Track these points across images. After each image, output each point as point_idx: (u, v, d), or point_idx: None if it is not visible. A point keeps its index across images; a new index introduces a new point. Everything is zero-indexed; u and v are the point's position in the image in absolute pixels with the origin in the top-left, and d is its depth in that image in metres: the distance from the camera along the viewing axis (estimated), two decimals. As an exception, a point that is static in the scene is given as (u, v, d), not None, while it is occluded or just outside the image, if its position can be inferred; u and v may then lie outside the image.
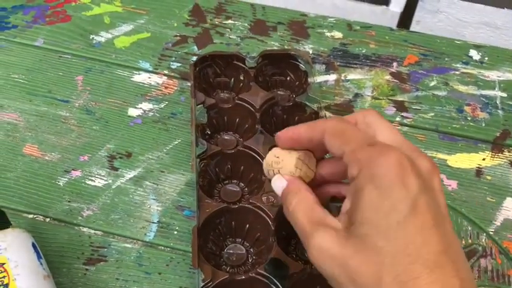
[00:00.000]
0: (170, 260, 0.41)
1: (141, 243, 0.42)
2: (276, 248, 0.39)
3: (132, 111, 0.52)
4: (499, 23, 1.13)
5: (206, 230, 0.41)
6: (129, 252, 0.42)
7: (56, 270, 0.40)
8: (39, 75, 0.54)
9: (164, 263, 0.41)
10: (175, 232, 0.43)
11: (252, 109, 0.49)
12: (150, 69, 0.56)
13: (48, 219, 0.43)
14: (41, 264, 0.36)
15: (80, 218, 0.43)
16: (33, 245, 0.37)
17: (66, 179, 0.46)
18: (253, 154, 0.45)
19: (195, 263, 0.37)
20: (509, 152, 0.51)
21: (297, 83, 0.54)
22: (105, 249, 0.42)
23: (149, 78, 0.55)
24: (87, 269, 0.40)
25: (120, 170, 0.47)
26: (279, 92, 0.54)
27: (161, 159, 0.48)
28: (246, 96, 0.50)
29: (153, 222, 0.43)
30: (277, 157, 0.34)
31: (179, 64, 0.57)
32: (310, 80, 0.53)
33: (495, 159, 0.51)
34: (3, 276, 0.34)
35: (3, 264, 0.34)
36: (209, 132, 0.49)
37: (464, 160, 0.50)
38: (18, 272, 0.34)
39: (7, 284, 0.33)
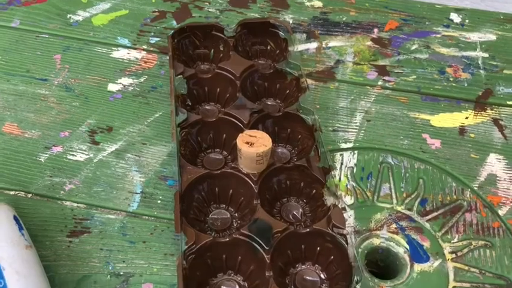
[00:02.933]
0: (154, 228, 0.41)
1: (124, 214, 0.42)
2: (259, 210, 0.39)
3: (112, 87, 0.51)
4: (483, -7, 1.13)
5: (189, 196, 0.40)
6: (113, 223, 0.41)
7: (40, 244, 0.40)
8: (17, 55, 0.54)
9: (148, 231, 0.41)
10: (159, 201, 0.43)
11: (232, 77, 0.48)
12: (129, 45, 0.55)
13: (30, 195, 0.43)
14: (23, 235, 0.36)
15: (62, 192, 0.43)
16: (15, 218, 0.37)
17: (47, 155, 0.45)
18: (235, 121, 0.45)
19: (177, 227, 0.37)
20: (492, 109, 0.51)
21: (277, 51, 0.54)
22: (88, 221, 0.41)
23: (128, 53, 0.55)
24: (70, 241, 0.40)
25: (102, 144, 0.47)
26: (259, 62, 0.53)
27: (142, 132, 0.48)
28: (226, 65, 0.49)
29: (136, 193, 0.43)
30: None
31: (158, 39, 0.56)
32: (290, 47, 0.53)
33: (478, 117, 0.51)
34: None
35: None
36: (190, 103, 0.49)
37: (447, 119, 0.50)
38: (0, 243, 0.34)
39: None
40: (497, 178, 0.45)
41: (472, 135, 0.49)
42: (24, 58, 0.53)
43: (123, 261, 0.39)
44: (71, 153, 0.46)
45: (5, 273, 0.33)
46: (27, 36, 0.56)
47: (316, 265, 0.39)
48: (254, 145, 0.39)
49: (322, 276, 0.38)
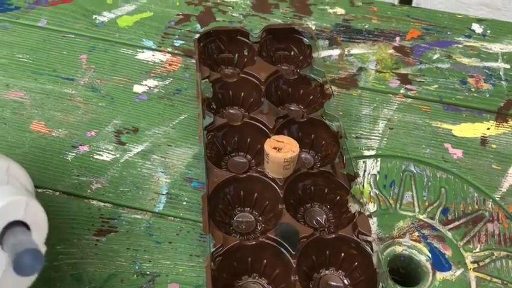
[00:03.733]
0: (180, 229, 0.42)
1: (150, 214, 0.42)
2: (285, 214, 0.39)
3: (137, 88, 0.52)
4: (499, 3, 1.13)
5: (215, 199, 0.41)
6: (139, 223, 0.42)
7: (67, 241, 0.40)
8: (44, 54, 0.55)
9: (174, 232, 0.41)
10: (184, 203, 0.43)
11: (257, 82, 0.49)
12: (154, 47, 0.56)
13: (57, 193, 0.43)
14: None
15: (89, 191, 0.44)
16: None
17: (74, 154, 0.46)
18: (260, 126, 0.46)
19: (205, 228, 0.37)
20: (513, 121, 0.51)
21: (301, 57, 0.54)
22: (115, 221, 0.42)
23: (153, 55, 0.55)
24: (97, 240, 0.41)
25: (128, 144, 0.47)
26: (283, 67, 0.54)
27: (168, 134, 0.48)
28: (250, 70, 0.50)
29: (162, 194, 0.44)
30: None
31: (182, 42, 0.57)
32: (314, 54, 0.53)
33: (500, 128, 0.51)
34: None
35: None
36: (215, 107, 0.49)
37: (469, 129, 0.51)
38: None
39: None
40: (519, 189, 0.46)
41: (494, 146, 0.49)
42: (51, 57, 0.54)
43: (150, 261, 0.40)
44: (97, 152, 0.46)
45: None
46: (53, 36, 0.57)
47: (340, 271, 0.39)
48: (282, 150, 0.40)
49: (345, 281, 0.38)
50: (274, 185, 0.41)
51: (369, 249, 0.38)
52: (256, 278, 0.38)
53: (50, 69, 0.53)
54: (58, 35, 0.57)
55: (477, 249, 0.42)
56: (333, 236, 0.38)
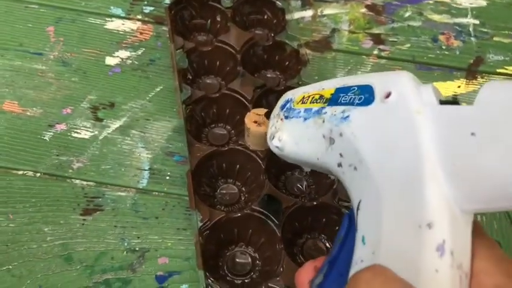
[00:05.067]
0: (165, 204, 0.42)
1: (135, 191, 0.43)
2: (268, 185, 0.40)
3: (110, 60, 0.51)
4: None
5: (199, 173, 0.41)
6: (124, 200, 0.42)
7: (53, 223, 0.41)
8: (7, 27, 0.52)
9: (160, 207, 0.42)
10: (168, 177, 0.44)
11: (232, 51, 0.49)
12: (123, 15, 0.54)
13: (38, 174, 0.43)
14: None
15: (70, 170, 0.44)
16: None
17: (52, 133, 0.46)
18: (237, 96, 0.46)
19: (191, 204, 0.38)
20: (482, 78, 0.53)
21: (275, 21, 0.54)
22: (100, 199, 0.42)
23: (123, 24, 0.54)
24: (84, 219, 0.41)
25: (105, 120, 0.47)
26: (257, 32, 0.53)
27: (145, 107, 0.48)
28: (225, 38, 0.49)
29: (145, 170, 0.44)
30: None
31: (152, 8, 0.55)
32: (287, 17, 0.53)
33: (469, 85, 0.52)
34: None
35: None
36: (191, 77, 0.49)
37: (441, 88, 0.51)
38: None
39: None
40: (488, 146, 0.48)
41: (464, 104, 0.51)
42: (15, 31, 0.52)
43: (138, 237, 0.41)
44: (75, 130, 0.46)
45: None
46: (15, 7, 0.54)
47: (322, 235, 0.41)
48: (263, 124, 0.40)
49: (327, 245, 0.40)
50: (255, 156, 0.42)
51: (349, 214, 0.40)
52: (243, 247, 0.40)
53: (16, 44, 0.51)
54: (20, 5, 0.54)
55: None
56: (314, 203, 0.40)
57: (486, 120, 0.20)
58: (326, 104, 0.27)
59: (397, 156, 0.22)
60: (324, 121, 0.27)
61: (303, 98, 0.30)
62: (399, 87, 0.24)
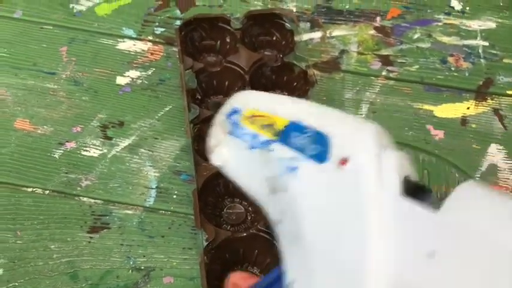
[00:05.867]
0: (172, 223, 0.42)
1: (141, 209, 0.43)
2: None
3: (120, 80, 0.52)
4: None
5: (205, 192, 0.42)
6: (131, 218, 0.43)
7: (60, 241, 0.41)
8: (22, 48, 0.54)
9: (166, 226, 0.42)
10: (175, 196, 0.44)
11: (240, 71, 0.49)
12: (134, 36, 0.55)
13: (47, 192, 0.44)
14: None
15: (79, 188, 0.44)
16: None
17: (61, 151, 0.46)
18: (245, 116, 0.46)
19: (197, 223, 0.38)
20: (492, 99, 0.53)
21: (283, 42, 0.54)
22: (107, 217, 0.42)
23: (134, 45, 0.55)
24: (91, 237, 0.41)
25: (114, 139, 0.47)
26: (265, 53, 0.54)
27: (154, 126, 0.48)
28: (234, 59, 0.50)
29: (152, 188, 0.44)
30: None
31: (163, 29, 0.56)
32: (296, 38, 0.53)
33: (479, 107, 0.52)
34: None
35: None
36: (199, 97, 0.49)
37: (450, 110, 0.52)
38: None
39: None
40: (498, 168, 0.47)
41: (474, 125, 0.51)
42: (29, 51, 0.53)
43: (144, 256, 0.41)
44: (84, 148, 0.46)
45: None
46: (30, 28, 0.55)
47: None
48: None
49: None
50: (262, 176, 0.42)
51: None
52: (249, 267, 0.40)
53: (30, 63, 0.52)
54: (35, 26, 0.55)
55: (458, 229, 0.43)
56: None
57: (449, 236, 0.17)
58: (276, 138, 0.23)
59: (342, 247, 0.19)
60: (269, 161, 0.23)
61: (253, 115, 0.25)
62: (358, 154, 0.20)
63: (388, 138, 0.22)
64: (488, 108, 0.52)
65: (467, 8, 0.61)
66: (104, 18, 0.57)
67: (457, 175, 0.47)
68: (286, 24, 0.54)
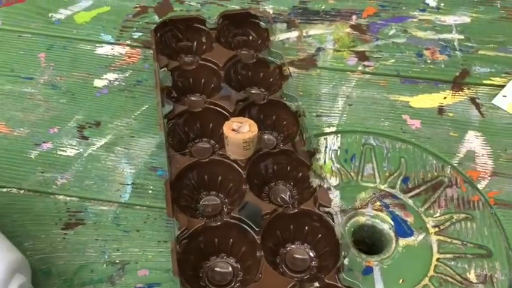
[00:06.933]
0: (147, 217, 0.42)
1: (117, 205, 0.43)
2: (249, 194, 0.40)
3: (98, 82, 0.52)
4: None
5: (179, 184, 0.41)
6: (106, 213, 0.42)
7: (34, 238, 0.41)
8: (0, 55, 0.54)
9: (141, 220, 0.42)
10: (150, 191, 0.44)
11: (216, 68, 0.49)
12: (113, 41, 0.56)
13: (22, 191, 0.43)
14: None
15: (54, 186, 0.44)
16: None
17: (38, 152, 0.46)
18: (221, 110, 0.46)
19: (169, 212, 0.38)
20: (468, 89, 0.53)
21: (259, 41, 0.55)
22: (82, 213, 0.42)
23: (112, 49, 0.55)
24: (65, 233, 0.41)
25: (91, 138, 0.47)
26: (242, 52, 0.54)
27: (130, 125, 0.48)
28: (209, 56, 0.50)
29: (127, 184, 0.44)
30: None
31: (141, 33, 0.57)
32: (271, 37, 0.54)
33: (456, 97, 0.52)
34: None
35: None
36: (175, 95, 0.49)
37: (426, 100, 0.52)
38: None
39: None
40: (476, 154, 0.47)
41: (451, 114, 0.51)
42: (8, 58, 0.54)
43: (118, 250, 0.40)
44: (61, 148, 0.46)
45: None
46: (9, 36, 0.56)
47: (305, 244, 0.40)
48: (240, 131, 0.40)
49: (311, 254, 0.40)
50: (236, 166, 0.42)
51: (331, 220, 0.39)
52: (224, 257, 0.39)
53: (8, 70, 0.53)
54: (14, 35, 0.56)
55: (437, 214, 0.43)
56: (295, 210, 0.39)
57: None
58: None
59: None
60: None
61: None
62: None
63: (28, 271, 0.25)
64: (465, 97, 0.52)
65: (442, 5, 0.62)
66: (82, 25, 0.58)
67: (434, 162, 0.47)
68: (261, 23, 0.55)
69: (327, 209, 0.39)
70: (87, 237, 0.41)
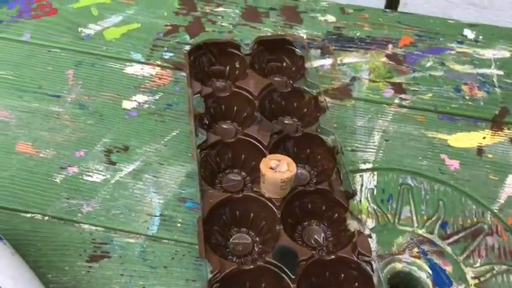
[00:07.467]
0: (175, 253, 0.40)
1: (144, 238, 0.41)
2: (283, 235, 0.38)
3: (127, 104, 0.51)
4: (485, 2, 1.13)
5: (211, 220, 0.40)
6: (133, 247, 0.41)
7: (58, 269, 0.39)
8: (28, 70, 0.53)
9: (169, 256, 0.40)
10: (179, 224, 0.42)
11: (249, 96, 0.48)
12: (142, 60, 0.55)
13: (46, 218, 0.42)
14: (5, 244, 0.35)
15: (79, 214, 0.42)
16: None
17: (63, 176, 0.45)
18: (254, 142, 0.45)
19: (202, 253, 0.36)
20: (508, 129, 0.51)
21: (294, 68, 0.53)
22: (108, 245, 0.41)
23: (142, 69, 0.54)
24: (90, 266, 0.39)
25: (118, 164, 0.46)
26: (276, 79, 0.53)
27: (159, 152, 0.47)
28: (243, 84, 0.49)
29: (155, 216, 0.42)
30: None
31: (172, 54, 0.55)
32: (307, 65, 0.52)
33: (495, 137, 0.50)
34: None
35: None
36: (207, 122, 0.48)
37: (465, 139, 0.50)
38: None
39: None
40: (517, 200, 0.45)
41: (490, 155, 0.49)
42: (35, 73, 0.53)
43: (144, 287, 0.39)
44: (87, 173, 0.45)
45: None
46: (38, 51, 0.55)
47: (341, 292, 0.38)
48: (278, 170, 0.39)
49: (346, 303, 0.38)
50: (271, 205, 0.40)
51: (369, 269, 0.37)
52: (255, 302, 0.38)
53: (35, 86, 0.51)
54: (43, 49, 0.55)
55: (477, 264, 0.41)
56: (333, 257, 0.37)
57: None
58: None
59: None
60: None
61: None
62: None
63: None
64: (505, 138, 0.50)
65: (480, 37, 0.60)
66: (112, 42, 0.56)
67: (474, 207, 0.45)
68: (297, 50, 0.53)
69: (367, 258, 0.37)
70: (112, 272, 0.39)
